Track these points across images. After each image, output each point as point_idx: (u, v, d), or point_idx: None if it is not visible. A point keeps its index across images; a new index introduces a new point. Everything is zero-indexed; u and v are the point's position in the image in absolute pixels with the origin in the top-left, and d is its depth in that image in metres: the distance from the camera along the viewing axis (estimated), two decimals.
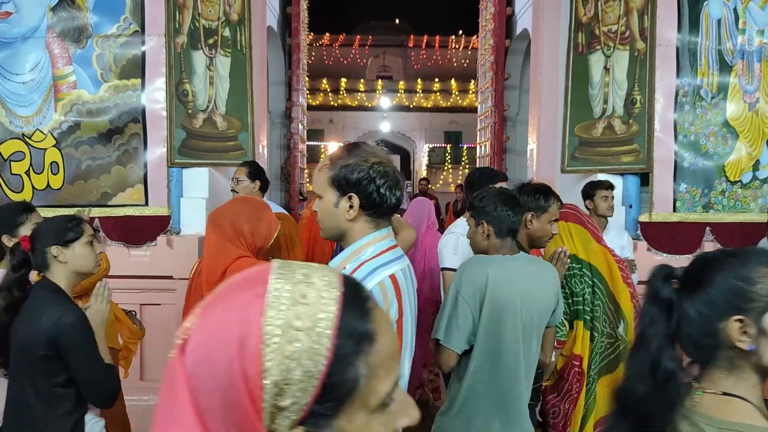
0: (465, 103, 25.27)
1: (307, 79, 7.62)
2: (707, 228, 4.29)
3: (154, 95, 4.28)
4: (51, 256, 2.06)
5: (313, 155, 24.40)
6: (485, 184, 2.73)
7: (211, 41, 4.41)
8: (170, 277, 4.24)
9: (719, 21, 4.30)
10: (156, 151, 4.30)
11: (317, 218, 1.61)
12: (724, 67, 4.32)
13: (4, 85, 4.29)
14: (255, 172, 4.02)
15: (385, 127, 26.46)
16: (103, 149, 4.28)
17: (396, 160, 27.11)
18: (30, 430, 1.95)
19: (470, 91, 24.42)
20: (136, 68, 4.29)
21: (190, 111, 4.35)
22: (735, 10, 4.30)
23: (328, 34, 26.56)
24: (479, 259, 2.23)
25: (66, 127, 4.28)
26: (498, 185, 2.72)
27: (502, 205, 2.22)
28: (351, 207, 1.54)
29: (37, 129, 4.28)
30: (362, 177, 1.51)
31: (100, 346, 2.06)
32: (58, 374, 1.96)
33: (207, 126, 4.41)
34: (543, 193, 2.64)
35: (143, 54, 4.28)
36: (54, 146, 4.28)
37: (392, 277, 1.50)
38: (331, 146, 25.90)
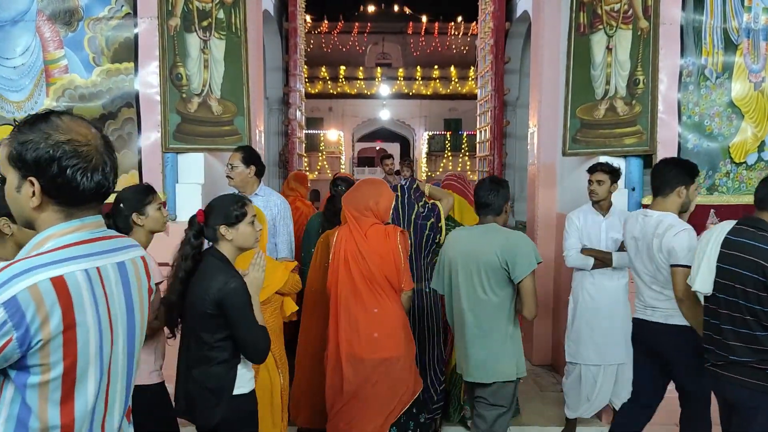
0: (464, 90, 25.17)
1: (305, 65, 7.54)
2: (711, 210, 4.21)
3: (147, 79, 4.19)
4: (220, 233, 2.40)
5: (313, 143, 24.34)
6: None
7: (205, 23, 4.31)
8: (166, 264, 4.17)
9: None
10: (150, 137, 4.22)
11: None
12: (730, 46, 4.23)
13: None
14: (250, 157, 3.95)
15: (384, 115, 26.37)
16: None
17: (396, 147, 27.03)
18: (194, 371, 2.37)
19: (470, 78, 24.30)
20: (129, 51, 4.20)
21: (184, 95, 4.26)
22: None
23: (326, 21, 26.40)
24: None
25: None
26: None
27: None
28: (34, 193, 1.29)
29: (29, 114, 4.19)
30: (40, 157, 1.26)
31: (255, 310, 2.37)
32: (220, 331, 2.32)
33: (202, 110, 4.33)
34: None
35: (136, 37, 4.19)
36: None
37: (57, 279, 1.23)
38: (330, 134, 25.81)
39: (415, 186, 3.85)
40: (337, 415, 3.19)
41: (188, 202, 4.29)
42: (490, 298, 2.91)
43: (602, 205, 3.93)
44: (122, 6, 4.18)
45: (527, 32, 7.12)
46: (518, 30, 7.18)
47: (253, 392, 2.50)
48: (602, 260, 3.82)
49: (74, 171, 1.29)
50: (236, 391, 2.39)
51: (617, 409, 3.99)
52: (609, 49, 4.32)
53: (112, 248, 1.41)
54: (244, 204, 2.46)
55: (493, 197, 3.02)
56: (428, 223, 3.63)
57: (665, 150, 4.18)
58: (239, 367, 2.41)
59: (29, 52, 4.19)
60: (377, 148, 29.16)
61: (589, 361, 3.87)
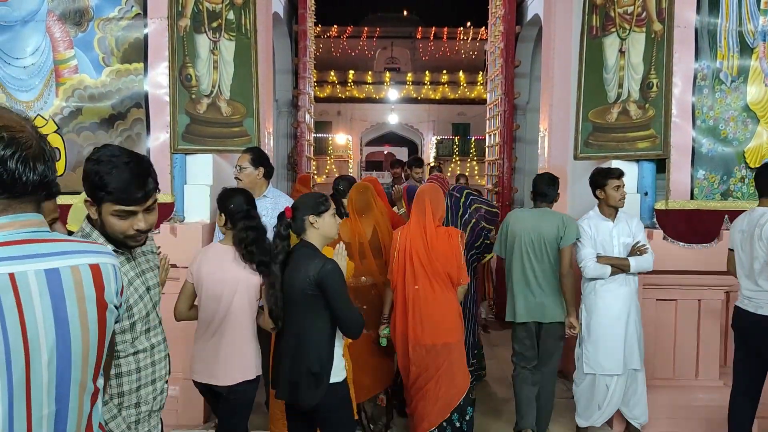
0: (473, 94, 25.11)
1: (314, 68, 7.52)
2: (726, 216, 4.15)
3: (156, 80, 4.18)
4: (308, 223, 2.73)
5: (321, 147, 24.36)
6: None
7: (214, 24, 4.30)
8: (174, 266, 4.14)
9: (740, 1, 4.15)
10: (159, 137, 4.21)
11: None
12: (745, 49, 4.17)
13: (4, 69, 4.20)
14: (258, 158, 3.92)
15: (393, 119, 26.35)
16: (105, 135, 4.19)
17: (404, 152, 26.99)
18: (296, 355, 2.66)
19: (478, 83, 24.24)
20: (139, 52, 4.19)
21: (193, 96, 4.24)
22: None
23: (335, 26, 26.43)
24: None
25: (67, 112, 4.20)
26: None
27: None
28: None
29: (39, 114, 4.19)
30: None
31: None
32: (320, 313, 2.62)
33: (211, 111, 4.31)
34: None
35: (145, 37, 4.18)
36: (55, 132, 4.20)
37: None
38: (339, 138, 25.82)
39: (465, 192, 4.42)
40: (414, 396, 3.60)
41: (197, 203, 4.27)
42: (548, 259, 3.84)
43: (611, 211, 3.87)
44: (132, 6, 4.17)
45: (537, 36, 7.07)
46: (529, 34, 7.14)
47: (345, 380, 2.77)
48: (620, 267, 3.76)
49: (15, 160, 1.17)
50: (332, 380, 2.67)
51: (628, 415, 3.94)
52: (622, 52, 4.27)
53: (44, 252, 1.22)
54: (327, 198, 2.81)
55: (550, 190, 3.95)
56: (478, 227, 4.25)
57: (679, 154, 4.13)
58: (336, 351, 2.70)
59: (39, 51, 4.19)
60: (385, 152, 29.15)
61: (610, 371, 3.81)
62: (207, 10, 4.26)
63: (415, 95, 26.13)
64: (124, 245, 1.89)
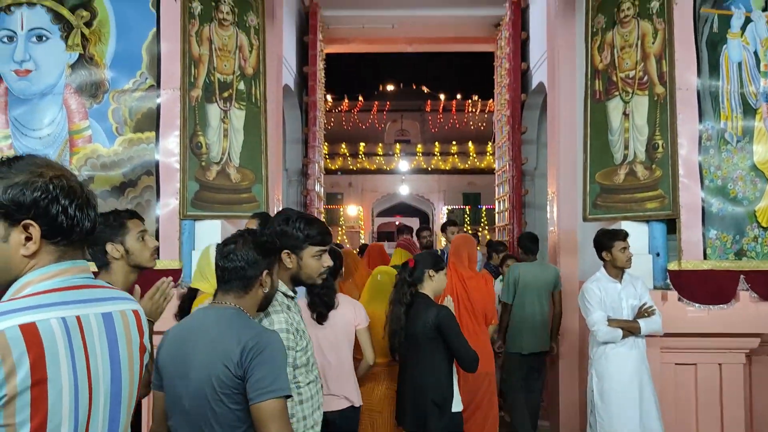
0: (483, 164, 25.38)
1: (325, 142, 7.67)
2: (741, 276, 4.07)
3: (167, 148, 4.26)
4: (427, 275, 3.22)
5: (333, 218, 24.51)
6: None
7: (225, 95, 4.42)
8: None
9: (740, 64, 4.22)
10: (168, 204, 4.25)
11: None
12: (748, 110, 4.21)
13: (20, 140, 4.31)
14: (266, 223, 3.92)
15: (403, 190, 26.58)
16: (115, 202, 4.24)
17: (415, 222, 27.11)
18: (422, 386, 3.10)
19: (488, 153, 24.55)
20: (151, 121, 4.30)
21: (203, 163, 4.31)
22: (755, 53, 4.22)
23: (346, 100, 27.15)
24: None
25: (80, 180, 4.26)
26: None
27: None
28: (28, 238, 1.21)
29: None
30: (39, 197, 1.19)
31: None
32: (441, 351, 3.07)
33: (220, 178, 4.37)
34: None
35: (158, 107, 4.29)
36: None
37: (27, 326, 1.12)
38: (350, 209, 26.02)
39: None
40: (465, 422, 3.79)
41: None
42: (546, 301, 4.96)
43: (618, 272, 3.81)
44: (146, 79, 4.31)
45: (543, 103, 7.19)
46: (534, 101, 7.26)
47: (461, 412, 3.19)
48: (630, 330, 3.67)
49: (74, 208, 1.23)
50: (453, 408, 3.09)
51: None
52: (626, 115, 4.33)
53: (98, 297, 1.29)
54: (442, 260, 3.37)
55: (536, 245, 5.20)
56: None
57: (689, 214, 4.10)
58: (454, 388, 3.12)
59: (55, 123, 4.31)
60: (396, 223, 29.23)
61: None
62: (218, 81, 4.40)
63: (425, 166, 26.47)
64: (310, 286, 2.48)
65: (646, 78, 4.25)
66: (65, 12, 4.32)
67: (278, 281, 2.14)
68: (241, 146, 4.46)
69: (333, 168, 24.44)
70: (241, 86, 4.49)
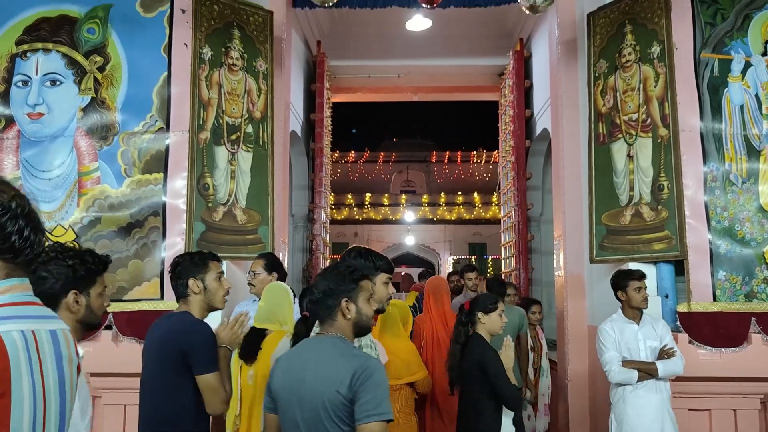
0: (488, 215, 25.40)
1: (331, 192, 7.73)
2: (752, 318, 4.00)
3: (175, 189, 4.30)
4: (478, 318, 3.42)
5: None
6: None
7: (233, 137, 4.49)
8: None
9: (742, 107, 4.26)
10: (174, 244, 4.25)
11: None
12: (752, 152, 4.23)
13: (30, 182, 4.36)
14: (272, 264, 3.93)
15: (409, 240, 26.55)
16: (122, 243, 4.25)
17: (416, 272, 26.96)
18: (470, 420, 3.31)
19: (493, 204, 24.61)
20: (159, 163, 4.35)
21: (210, 204, 4.34)
22: (757, 96, 4.27)
23: (353, 152, 27.48)
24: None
25: (87, 221, 4.29)
26: None
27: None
28: None
29: (59, 224, 4.29)
30: (1, 212, 1.24)
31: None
32: (485, 389, 3.23)
33: (227, 219, 4.39)
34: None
35: (167, 149, 4.35)
36: (74, 240, 4.26)
37: None
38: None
39: None
40: None
41: None
42: (513, 341, 4.28)
43: (635, 313, 3.75)
44: (156, 121, 4.38)
45: (547, 150, 7.25)
46: (539, 148, 7.33)
47: None
48: (647, 372, 3.57)
49: (30, 230, 1.26)
50: None
51: None
52: (630, 157, 4.35)
53: (44, 314, 1.30)
54: (497, 300, 3.48)
55: (503, 288, 4.98)
56: None
57: (696, 255, 4.07)
58: (504, 420, 3.26)
59: (65, 164, 4.37)
60: (402, 273, 29.11)
61: None
62: (227, 124, 4.47)
63: (431, 216, 26.51)
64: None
65: (649, 120, 4.29)
66: (79, 57, 4.45)
67: (367, 309, 2.18)
68: (247, 188, 4.50)
69: (339, 218, 24.50)
70: (249, 129, 4.57)
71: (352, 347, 2.11)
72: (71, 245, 2.13)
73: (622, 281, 3.74)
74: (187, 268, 2.68)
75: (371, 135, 28.81)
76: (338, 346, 2.07)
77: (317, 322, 2.25)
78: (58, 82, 4.43)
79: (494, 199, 23.98)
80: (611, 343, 3.66)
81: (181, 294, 2.70)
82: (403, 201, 26.93)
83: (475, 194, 26.13)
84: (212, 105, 4.43)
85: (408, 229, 26.45)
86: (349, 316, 2.12)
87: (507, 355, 3.37)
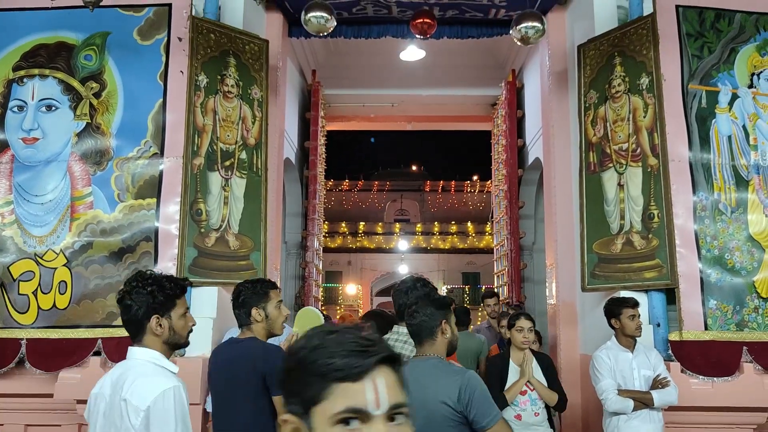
0: (482, 244, 25.43)
1: (325, 220, 7.75)
2: (744, 348, 4.00)
3: (168, 214, 4.30)
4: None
5: (331, 296, 24.31)
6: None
7: (227, 163, 4.51)
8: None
9: (729, 138, 4.33)
10: (166, 269, 4.17)
11: None
12: (741, 182, 4.28)
13: (23, 206, 4.35)
14: None
15: (402, 269, 26.46)
16: (113, 268, 4.23)
17: None
18: None
19: (486, 233, 24.68)
20: (153, 188, 4.35)
21: (202, 230, 4.34)
22: (744, 127, 4.35)
23: (347, 181, 27.59)
24: None
25: (78, 246, 4.28)
26: None
27: None
28: None
29: (50, 248, 4.27)
30: None
31: None
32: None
33: (219, 245, 4.38)
34: None
35: (160, 175, 4.36)
36: (64, 265, 4.25)
37: None
38: (349, 288, 25.86)
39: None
40: None
41: (199, 336, 4.14)
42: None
43: (629, 341, 3.74)
44: (150, 147, 4.41)
45: (540, 179, 7.30)
46: (531, 177, 7.39)
47: None
48: (642, 401, 3.54)
49: None
50: None
51: None
52: (621, 186, 4.39)
53: None
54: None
55: (467, 317, 5.34)
56: None
57: (687, 284, 4.09)
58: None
59: (58, 189, 4.37)
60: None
61: None
62: (221, 150, 4.49)
63: (424, 245, 26.52)
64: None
65: (639, 150, 4.35)
66: (76, 83, 4.48)
67: (455, 330, 2.55)
68: (240, 214, 4.50)
69: (333, 246, 24.47)
70: (243, 156, 4.59)
71: (452, 365, 2.49)
72: (149, 272, 2.23)
73: (616, 309, 3.74)
74: (249, 297, 2.86)
75: (365, 164, 28.98)
76: (440, 366, 2.43)
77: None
78: (53, 108, 4.46)
79: (488, 228, 24.05)
80: (607, 371, 3.65)
81: (243, 322, 2.91)
82: (397, 230, 26.96)
83: (469, 224, 26.21)
84: (207, 131, 4.46)
85: (402, 257, 26.41)
86: (447, 336, 2.49)
87: (524, 370, 3.53)
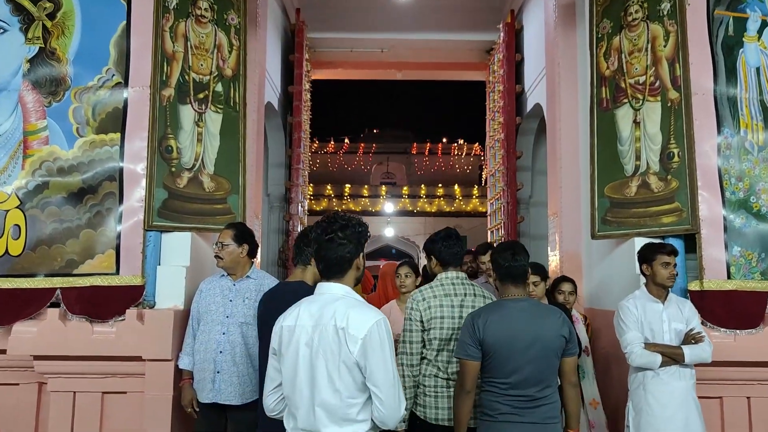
0: (469, 207, 25.13)
1: (310, 182, 7.30)
2: None
3: (133, 151, 3.82)
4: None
5: None
6: None
7: (201, 96, 4.04)
8: (139, 358, 3.59)
9: (758, 69, 3.92)
10: (132, 213, 3.78)
11: None
12: None
13: None
14: (242, 234, 3.50)
15: (389, 232, 26.17)
16: (72, 211, 3.78)
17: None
18: None
19: (473, 196, 24.38)
20: (116, 122, 3.87)
21: (173, 169, 3.89)
22: None
23: (332, 142, 27.03)
24: None
25: (33, 186, 3.80)
26: None
27: None
28: None
29: (0, 189, 3.80)
30: None
31: None
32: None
33: (192, 186, 3.94)
34: None
35: (125, 106, 3.87)
36: (17, 207, 3.78)
37: None
38: None
39: None
40: None
41: (171, 286, 3.77)
42: None
43: (660, 291, 3.36)
44: (113, 75, 3.91)
45: (538, 128, 6.90)
46: (529, 126, 6.97)
47: None
48: (672, 357, 3.18)
49: None
50: None
51: None
52: (636, 123, 4.00)
53: None
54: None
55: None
56: None
57: (709, 229, 3.72)
58: None
59: (8, 122, 3.88)
60: (381, 266, 28.76)
61: None
62: (194, 81, 4.02)
63: (411, 208, 26.15)
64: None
65: (657, 83, 3.93)
66: (26, 3, 3.95)
67: None
68: (216, 152, 4.06)
69: (318, 209, 24.04)
70: (219, 88, 4.12)
71: (546, 305, 3.20)
72: (342, 214, 2.41)
73: (649, 254, 3.35)
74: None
75: (351, 125, 28.39)
76: (539, 305, 2.90)
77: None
78: (1, 30, 3.92)
79: (475, 191, 23.73)
80: (633, 323, 3.27)
81: (303, 260, 3.08)
82: (383, 193, 26.53)
83: (456, 187, 25.84)
84: (177, 59, 3.98)
85: (388, 220, 26.05)
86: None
87: None
